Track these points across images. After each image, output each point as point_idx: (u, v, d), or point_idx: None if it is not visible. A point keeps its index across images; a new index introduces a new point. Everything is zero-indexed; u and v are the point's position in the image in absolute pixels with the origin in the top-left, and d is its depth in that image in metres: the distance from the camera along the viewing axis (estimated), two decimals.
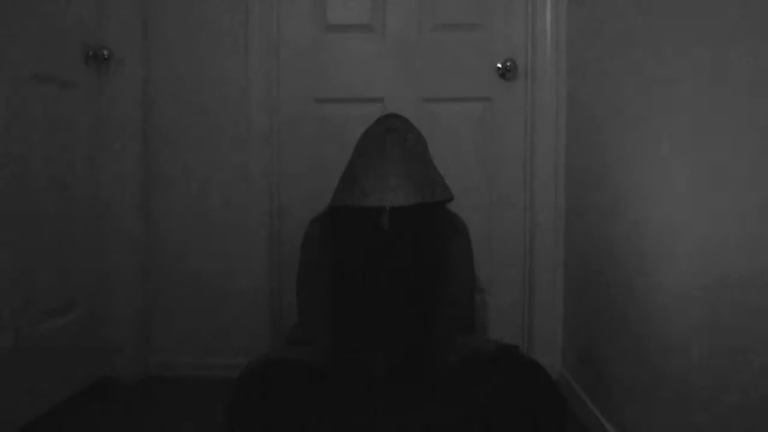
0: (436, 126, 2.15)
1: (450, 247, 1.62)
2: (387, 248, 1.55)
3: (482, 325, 2.15)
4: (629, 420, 1.45)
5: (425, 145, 1.64)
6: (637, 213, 1.41)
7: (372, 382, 1.45)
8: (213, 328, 2.18)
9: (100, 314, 2.04)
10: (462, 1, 2.17)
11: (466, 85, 2.18)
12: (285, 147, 2.20)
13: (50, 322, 1.78)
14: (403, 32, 2.18)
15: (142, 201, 2.12)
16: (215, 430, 1.63)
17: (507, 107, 2.17)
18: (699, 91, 1.10)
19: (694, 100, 1.12)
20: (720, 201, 1.02)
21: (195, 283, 2.18)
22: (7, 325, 1.59)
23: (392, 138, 1.58)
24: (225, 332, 2.18)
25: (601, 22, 1.70)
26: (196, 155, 2.16)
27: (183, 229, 2.17)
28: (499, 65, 2.15)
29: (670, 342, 1.22)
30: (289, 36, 2.19)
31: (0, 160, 1.55)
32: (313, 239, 1.64)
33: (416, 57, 2.18)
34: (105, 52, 1.98)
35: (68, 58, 1.86)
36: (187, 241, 2.17)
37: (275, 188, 2.19)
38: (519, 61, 2.15)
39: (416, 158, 1.58)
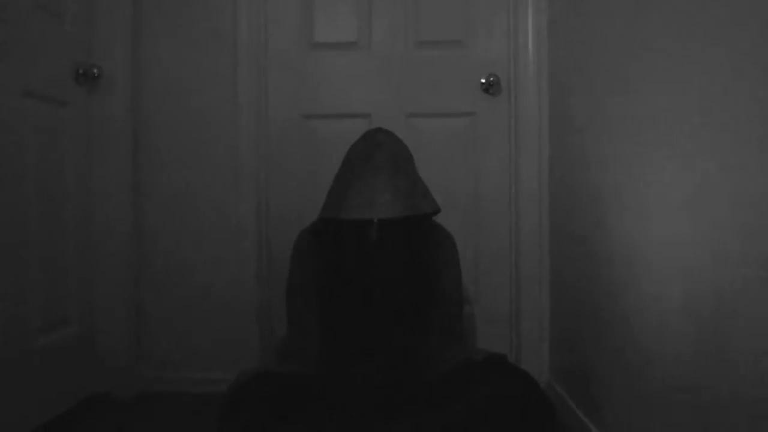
0: (422, 140, 2.18)
1: (437, 258, 1.64)
2: (375, 260, 1.58)
3: (470, 335, 2.18)
4: (616, 427, 1.48)
5: (411, 159, 1.67)
6: (620, 223, 1.44)
7: (362, 392, 1.47)
8: (205, 342, 2.19)
9: (92, 330, 2.05)
10: (445, 18, 2.22)
11: (450, 100, 2.22)
12: (274, 162, 2.23)
13: (42, 338, 1.78)
14: (389, 49, 2.23)
15: (131, 217, 2.14)
16: None
17: (491, 121, 2.21)
18: (684, 102, 1.14)
19: (679, 110, 1.16)
20: (702, 212, 1.06)
21: (186, 299, 2.19)
22: None
23: (379, 152, 1.61)
24: (217, 347, 2.18)
25: (582, 35, 1.75)
26: (186, 171, 2.18)
27: (173, 244, 2.19)
28: (483, 80, 2.19)
29: (652, 349, 1.25)
30: (277, 54, 2.23)
31: None
32: (302, 251, 1.66)
33: (401, 73, 2.22)
34: (95, 71, 2.00)
35: (58, 75, 1.88)
36: (177, 257, 2.19)
37: (264, 202, 2.21)
38: (502, 76, 2.19)
39: (403, 171, 1.61)
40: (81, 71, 1.96)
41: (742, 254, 0.92)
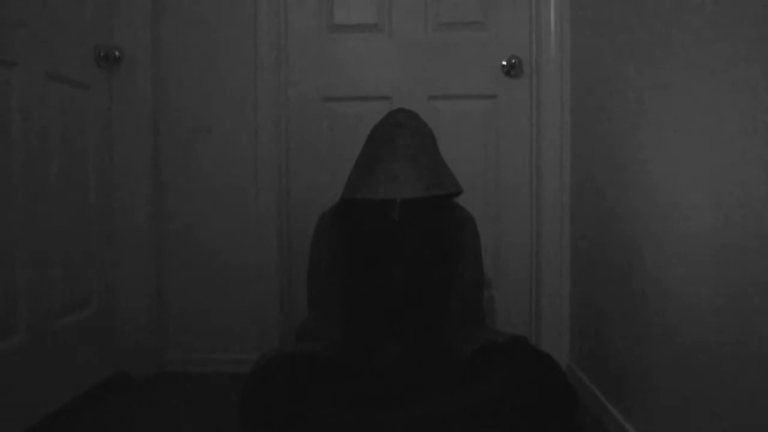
0: (443, 123, 2.18)
1: (459, 239, 1.63)
2: (397, 240, 1.57)
3: (489, 318, 2.17)
4: (637, 409, 1.47)
5: (434, 139, 1.66)
6: (643, 205, 1.43)
7: (385, 373, 1.47)
8: (225, 323, 2.21)
9: (114, 311, 2.07)
10: None
11: (471, 82, 2.20)
12: (294, 144, 2.23)
13: (64, 319, 1.80)
14: (409, 31, 2.21)
15: (152, 198, 2.15)
16: (229, 425, 1.65)
17: (512, 104, 2.20)
18: (704, 81, 1.12)
19: (700, 90, 1.14)
20: (728, 187, 1.04)
21: (206, 280, 2.21)
22: (22, 322, 1.61)
23: (402, 132, 1.59)
24: (236, 328, 2.20)
25: (605, 16, 1.73)
26: (206, 152, 2.19)
27: (194, 226, 2.20)
28: (504, 63, 2.17)
29: (677, 331, 1.23)
30: (296, 37, 2.22)
31: (14, 159, 1.58)
32: (323, 232, 1.65)
33: (422, 55, 2.21)
34: (116, 53, 2.00)
35: (80, 58, 1.88)
36: (198, 239, 2.20)
37: (284, 184, 2.22)
38: (524, 59, 2.17)
39: (426, 151, 1.60)
40: (102, 54, 1.97)
41: None
